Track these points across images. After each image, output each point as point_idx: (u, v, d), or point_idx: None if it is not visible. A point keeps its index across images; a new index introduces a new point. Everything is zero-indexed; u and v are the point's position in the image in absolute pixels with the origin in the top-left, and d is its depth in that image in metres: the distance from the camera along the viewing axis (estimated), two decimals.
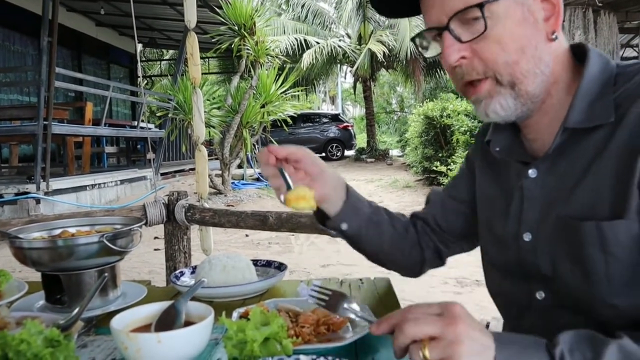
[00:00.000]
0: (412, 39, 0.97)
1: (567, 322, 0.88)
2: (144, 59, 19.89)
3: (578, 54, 0.91)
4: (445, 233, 1.15)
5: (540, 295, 0.94)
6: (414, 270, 1.19)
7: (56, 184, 6.86)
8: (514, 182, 0.98)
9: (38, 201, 6.38)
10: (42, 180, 6.51)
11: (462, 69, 0.87)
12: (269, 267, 1.39)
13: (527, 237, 0.94)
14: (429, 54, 0.95)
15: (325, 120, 19.33)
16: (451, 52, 0.85)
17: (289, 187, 0.96)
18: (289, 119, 9.08)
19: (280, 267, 1.36)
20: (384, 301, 1.18)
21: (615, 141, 0.82)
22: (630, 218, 0.79)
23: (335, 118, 19.67)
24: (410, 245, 1.15)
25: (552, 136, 0.89)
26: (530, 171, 0.93)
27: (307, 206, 0.95)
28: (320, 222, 1.11)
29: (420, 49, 0.96)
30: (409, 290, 4.22)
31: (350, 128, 19.36)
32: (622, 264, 0.81)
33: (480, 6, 0.81)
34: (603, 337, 0.68)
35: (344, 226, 1.07)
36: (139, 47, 14.56)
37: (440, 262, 1.19)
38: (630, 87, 0.83)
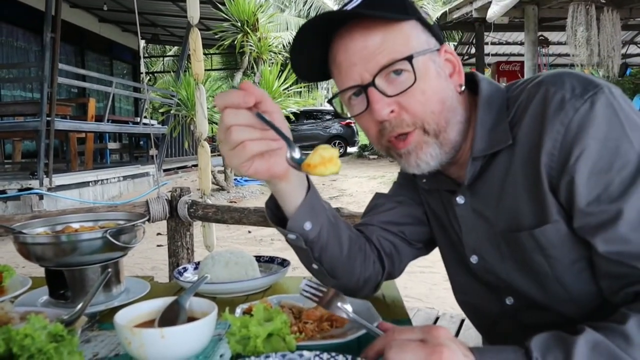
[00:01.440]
0: (330, 101, 0.98)
1: (542, 322, 0.92)
2: (146, 55, 19.90)
3: (470, 82, 0.95)
4: (405, 236, 1.09)
5: (509, 300, 0.98)
6: (369, 284, 1.07)
7: (59, 180, 6.87)
8: (451, 210, 1.02)
9: (41, 197, 6.39)
10: (45, 176, 6.52)
11: (390, 124, 0.88)
12: (271, 263, 1.39)
13: (473, 259, 0.99)
14: (350, 114, 0.94)
15: (327, 116, 19.29)
16: (381, 106, 0.86)
17: (288, 143, 0.74)
18: (291, 116, 9.09)
19: (283, 263, 1.36)
20: (387, 298, 1.17)
21: (517, 157, 0.88)
22: (555, 221, 0.84)
23: (337, 115, 19.63)
24: (365, 254, 1.05)
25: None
26: (458, 199, 0.98)
27: (335, 170, 0.72)
28: (275, 221, 0.93)
29: (340, 110, 0.97)
30: (412, 287, 4.22)
31: (353, 125, 19.29)
32: (563, 263, 0.86)
33: (410, 59, 0.85)
34: (569, 335, 0.70)
35: (308, 226, 0.90)
36: (142, 43, 14.57)
37: (393, 272, 1.11)
38: (519, 108, 0.90)
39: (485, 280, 1.00)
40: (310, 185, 0.91)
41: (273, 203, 0.93)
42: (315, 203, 0.92)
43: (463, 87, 0.93)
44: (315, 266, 1.00)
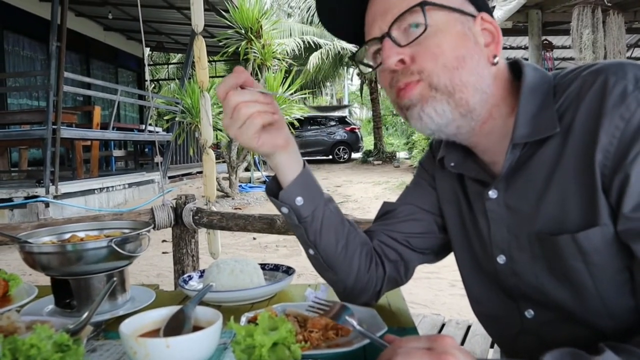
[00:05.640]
0: (352, 57, 0.97)
1: (565, 337, 0.88)
2: (151, 63, 20.00)
3: (515, 71, 0.91)
4: (411, 245, 1.07)
5: (529, 313, 0.93)
6: (369, 287, 1.06)
7: (65, 187, 6.90)
8: (477, 204, 0.96)
9: (47, 205, 6.42)
10: (51, 184, 6.55)
11: (398, 75, 0.86)
12: (276, 271, 1.39)
13: (500, 259, 0.93)
14: (369, 69, 0.95)
15: (332, 122, 19.32)
16: (390, 54, 0.85)
17: None
18: (296, 122, 9.09)
19: (288, 271, 1.36)
20: (393, 306, 1.17)
21: (569, 150, 0.81)
22: (603, 224, 0.77)
23: (342, 121, 19.66)
24: (367, 255, 1.04)
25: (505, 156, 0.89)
26: (490, 192, 0.91)
27: None
28: (272, 194, 0.98)
29: (361, 66, 0.97)
30: (417, 293, 4.21)
31: (357, 130, 19.35)
32: (606, 272, 0.80)
33: (422, 5, 0.82)
34: (586, 354, 0.67)
35: (299, 201, 0.95)
36: (147, 51, 14.64)
37: (399, 279, 1.10)
38: (570, 96, 0.83)
39: (508, 285, 0.94)
40: (305, 165, 0.98)
41: (273, 180, 0.99)
42: (310, 182, 0.97)
43: (497, 59, 0.87)
44: (311, 251, 1.02)
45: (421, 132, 0.90)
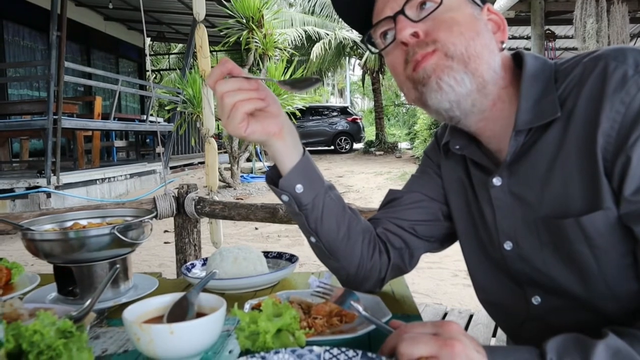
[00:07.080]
0: (362, 41, 0.99)
1: (571, 323, 0.88)
2: (152, 53, 19.93)
3: (517, 61, 0.92)
4: (417, 233, 1.07)
5: (536, 300, 0.93)
6: (373, 275, 1.06)
7: (66, 178, 6.91)
8: (482, 192, 0.96)
9: (49, 195, 6.43)
10: (52, 174, 6.56)
11: (413, 49, 0.86)
12: (279, 259, 1.39)
13: (507, 245, 0.93)
14: (379, 48, 0.95)
15: (333, 113, 19.27)
16: (405, 26, 0.86)
17: None
18: (297, 112, 9.07)
19: (292, 259, 1.36)
20: (397, 294, 1.17)
21: (571, 136, 0.82)
22: (607, 208, 0.78)
23: (343, 111, 19.60)
24: (370, 242, 1.05)
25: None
26: (494, 180, 0.92)
27: None
28: (272, 182, 0.98)
29: (369, 47, 0.98)
30: (419, 283, 4.22)
31: (358, 121, 19.29)
32: (610, 255, 0.81)
33: None
34: (590, 339, 0.68)
35: (299, 188, 0.94)
36: (148, 41, 14.59)
37: (404, 266, 1.10)
38: (571, 82, 0.84)
39: (515, 271, 0.94)
40: (305, 152, 0.97)
41: (273, 169, 0.98)
42: (309, 169, 0.96)
43: (505, 44, 0.90)
44: (313, 239, 1.02)
45: (437, 107, 0.87)
